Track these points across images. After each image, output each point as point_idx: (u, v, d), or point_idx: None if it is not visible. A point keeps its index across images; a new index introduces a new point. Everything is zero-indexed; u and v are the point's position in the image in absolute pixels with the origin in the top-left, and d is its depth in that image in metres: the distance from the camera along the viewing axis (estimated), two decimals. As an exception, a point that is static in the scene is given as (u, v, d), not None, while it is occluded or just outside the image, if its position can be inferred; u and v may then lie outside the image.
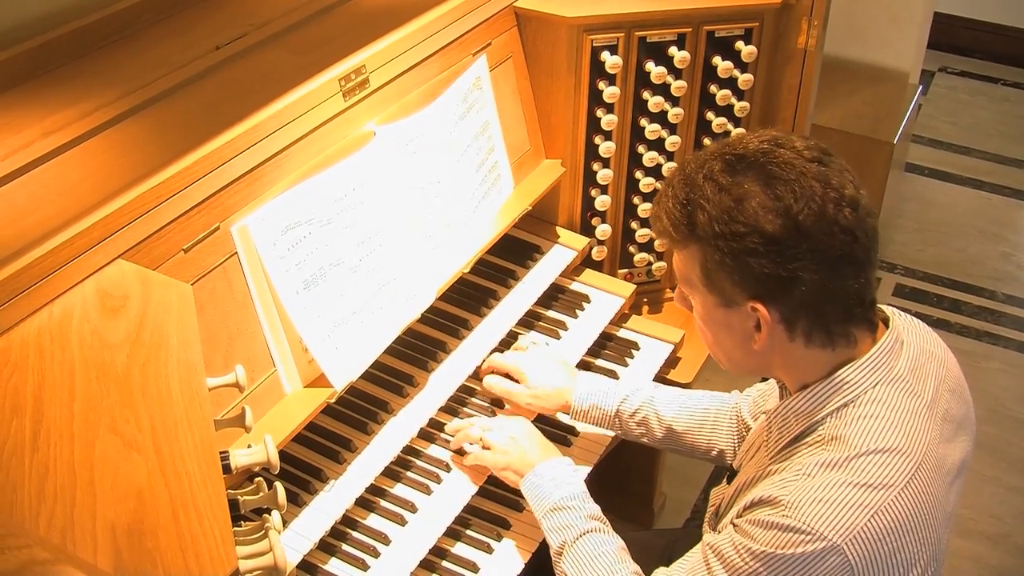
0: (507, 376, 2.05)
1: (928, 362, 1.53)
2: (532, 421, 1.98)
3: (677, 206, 1.45)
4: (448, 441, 1.96)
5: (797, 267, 1.37)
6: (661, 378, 2.30)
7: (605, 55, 2.23)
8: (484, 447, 1.88)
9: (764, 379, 1.96)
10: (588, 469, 2.01)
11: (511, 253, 2.31)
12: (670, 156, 2.38)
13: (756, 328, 1.44)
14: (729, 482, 1.73)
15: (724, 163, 1.42)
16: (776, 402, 1.60)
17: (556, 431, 2.07)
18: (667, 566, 1.59)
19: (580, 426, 2.07)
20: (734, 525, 1.47)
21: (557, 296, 2.33)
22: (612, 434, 2.06)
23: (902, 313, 1.58)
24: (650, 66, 2.27)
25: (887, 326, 1.50)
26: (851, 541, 1.36)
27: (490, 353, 2.09)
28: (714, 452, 1.95)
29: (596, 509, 1.77)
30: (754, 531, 1.41)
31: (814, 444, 1.46)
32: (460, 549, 1.87)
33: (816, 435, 1.46)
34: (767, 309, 1.41)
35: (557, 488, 1.78)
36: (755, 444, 1.68)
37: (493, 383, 2.03)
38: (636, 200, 2.42)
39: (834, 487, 1.38)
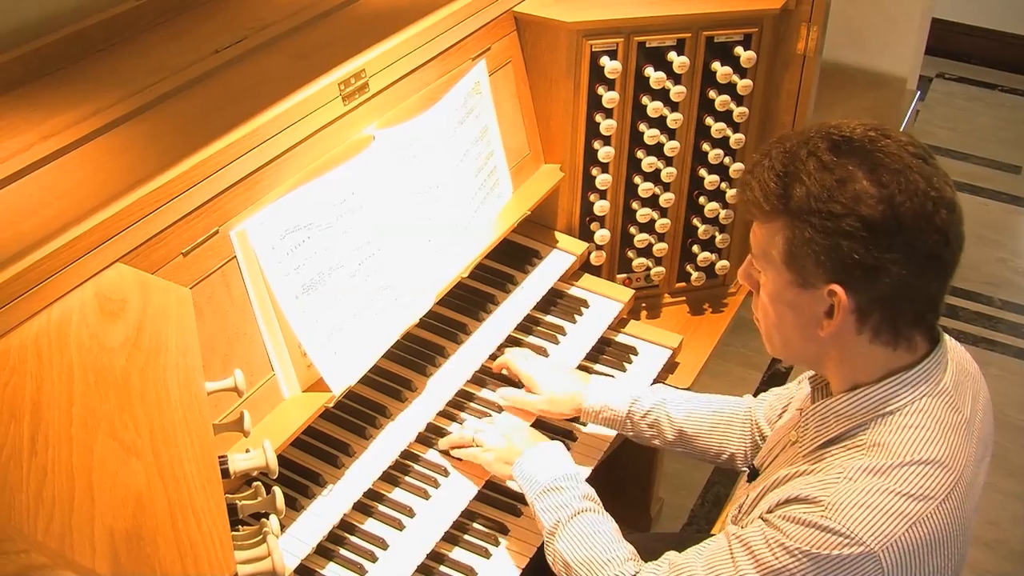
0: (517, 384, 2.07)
1: (966, 380, 1.53)
2: (532, 424, 1.99)
3: (773, 176, 1.42)
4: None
5: (888, 259, 1.36)
6: (659, 384, 2.30)
7: (604, 60, 2.23)
8: (477, 446, 1.89)
9: (781, 380, 1.96)
10: (588, 471, 2.01)
11: (510, 258, 2.30)
12: (669, 161, 2.38)
13: (827, 314, 1.42)
14: (751, 480, 1.72)
15: (830, 142, 1.40)
16: (807, 400, 1.59)
17: (555, 436, 2.06)
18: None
19: (586, 428, 2.08)
20: (764, 520, 1.46)
21: (556, 301, 2.33)
22: (613, 435, 2.07)
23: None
24: (649, 71, 2.27)
25: (938, 340, 1.49)
26: (888, 548, 1.35)
27: (489, 358, 2.09)
28: (724, 456, 1.96)
29: (590, 490, 1.78)
30: (788, 527, 1.41)
31: (854, 448, 1.45)
32: (458, 554, 1.86)
33: (857, 439, 1.45)
34: (847, 295, 1.39)
35: (548, 470, 1.78)
36: (780, 443, 1.67)
37: (507, 394, 2.04)
38: (635, 205, 2.42)
39: (876, 493, 1.38)
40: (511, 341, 2.19)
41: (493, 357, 2.11)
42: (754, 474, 1.73)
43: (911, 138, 1.42)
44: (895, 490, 1.38)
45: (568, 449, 2.05)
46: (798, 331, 1.48)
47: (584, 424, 2.10)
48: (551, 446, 1.85)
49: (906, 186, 1.35)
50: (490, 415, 2.04)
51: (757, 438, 1.93)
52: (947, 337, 1.55)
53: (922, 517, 1.37)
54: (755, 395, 1.99)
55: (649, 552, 1.71)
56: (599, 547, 1.67)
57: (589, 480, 1.92)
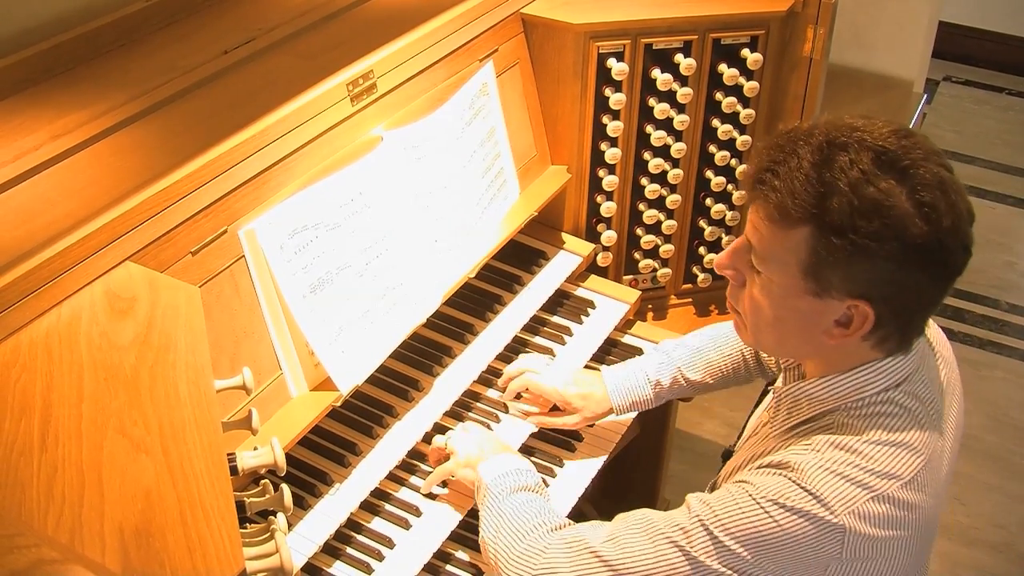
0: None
1: (940, 364, 1.55)
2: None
3: (806, 183, 1.33)
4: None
5: (923, 278, 1.33)
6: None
7: (611, 62, 2.24)
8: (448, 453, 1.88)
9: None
10: (603, 459, 2.04)
11: (517, 259, 2.31)
12: (675, 163, 2.38)
13: (838, 323, 1.39)
14: (724, 460, 1.74)
15: (874, 154, 1.32)
16: (780, 382, 1.61)
17: (562, 436, 2.08)
18: None
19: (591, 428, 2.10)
20: (730, 483, 1.47)
21: (562, 302, 2.33)
22: (619, 437, 2.08)
23: None
24: (656, 73, 2.28)
25: None
26: (849, 515, 1.36)
27: (496, 358, 2.10)
28: (743, 371, 2.00)
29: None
30: (757, 479, 1.42)
31: (824, 428, 1.46)
32: (464, 554, 1.87)
33: (826, 420, 1.47)
34: (873, 310, 1.36)
35: (511, 462, 1.79)
36: (755, 427, 1.69)
37: (545, 420, 2.04)
38: (641, 207, 2.42)
39: (843, 464, 1.39)
40: (518, 342, 2.19)
41: (500, 357, 2.12)
42: (728, 454, 1.75)
43: (936, 147, 1.36)
44: (861, 465, 1.39)
45: (572, 451, 2.07)
46: (798, 334, 1.45)
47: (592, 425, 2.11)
48: (514, 456, 1.85)
49: (947, 209, 1.31)
50: (496, 416, 2.05)
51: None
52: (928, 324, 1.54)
53: (885, 493, 1.38)
54: (761, 393, 2.00)
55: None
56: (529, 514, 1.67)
57: (593, 483, 1.92)
